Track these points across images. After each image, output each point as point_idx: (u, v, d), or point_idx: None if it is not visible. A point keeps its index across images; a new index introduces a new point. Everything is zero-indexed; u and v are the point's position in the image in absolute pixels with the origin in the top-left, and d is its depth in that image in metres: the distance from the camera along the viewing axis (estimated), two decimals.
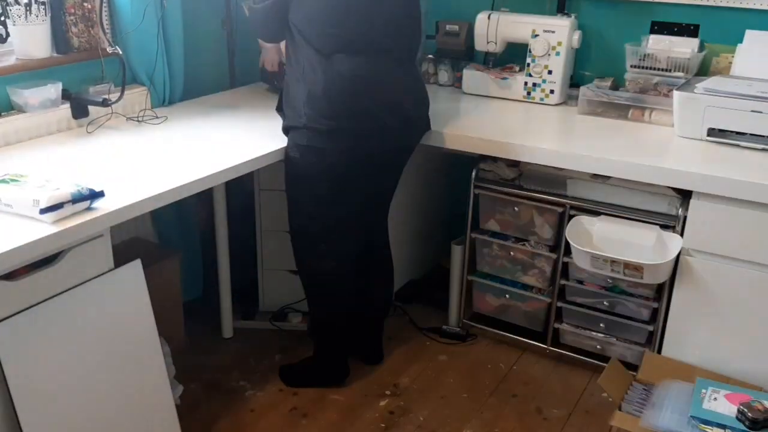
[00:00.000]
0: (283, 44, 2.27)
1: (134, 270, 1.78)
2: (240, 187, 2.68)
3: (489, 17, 2.66)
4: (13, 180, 1.62)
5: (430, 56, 2.87)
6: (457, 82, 2.82)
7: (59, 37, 2.17)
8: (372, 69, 2.04)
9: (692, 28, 2.46)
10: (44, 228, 1.51)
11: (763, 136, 2.10)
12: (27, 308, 1.54)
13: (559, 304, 2.44)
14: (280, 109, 2.21)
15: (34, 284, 1.55)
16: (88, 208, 1.60)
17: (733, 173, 1.94)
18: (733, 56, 2.39)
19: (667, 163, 2.05)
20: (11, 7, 2.03)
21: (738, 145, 2.14)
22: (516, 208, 2.41)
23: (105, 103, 2.17)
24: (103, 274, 1.70)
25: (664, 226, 2.14)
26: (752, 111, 2.09)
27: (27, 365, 1.55)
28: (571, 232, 2.21)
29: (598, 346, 2.42)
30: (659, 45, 2.49)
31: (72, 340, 1.64)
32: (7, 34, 2.11)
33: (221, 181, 1.98)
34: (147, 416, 1.86)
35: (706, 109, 2.15)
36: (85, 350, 1.67)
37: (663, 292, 2.20)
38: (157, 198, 1.74)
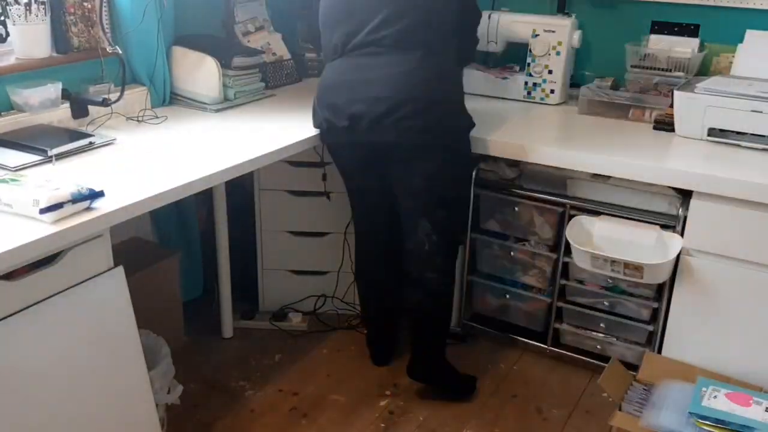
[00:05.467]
0: None
1: (117, 277, 1.73)
2: (240, 187, 2.68)
3: (489, 17, 2.65)
4: (13, 180, 1.62)
5: None
6: None
7: (59, 37, 2.17)
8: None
9: (692, 27, 2.46)
10: (44, 228, 1.50)
11: (764, 136, 2.10)
12: (26, 308, 1.54)
13: (559, 304, 2.44)
14: None
15: (34, 284, 1.55)
16: (88, 208, 1.59)
17: (734, 173, 1.94)
18: (733, 56, 2.39)
19: (667, 163, 2.05)
20: (11, 7, 2.03)
21: (738, 145, 2.14)
22: (516, 208, 2.41)
23: (105, 103, 2.17)
24: (102, 273, 1.69)
25: (664, 226, 2.14)
26: (753, 111, 2.09)
27: (26, 365, 1.55)
28: (571, 232, 2.21)
29: (598, 346, 2.42)
30: (659, 45, 2.49)
31: (71, 339, 1.64)
32: (7, 34, 2.10)
33: (221, 181, 1.97)
34: (146, 416, 1.86)
35: (707, 109, 2.15)
36: (84, 350, 1.67)
37: (663, 292, 2.20)
38: (157, 198, 1.73)
